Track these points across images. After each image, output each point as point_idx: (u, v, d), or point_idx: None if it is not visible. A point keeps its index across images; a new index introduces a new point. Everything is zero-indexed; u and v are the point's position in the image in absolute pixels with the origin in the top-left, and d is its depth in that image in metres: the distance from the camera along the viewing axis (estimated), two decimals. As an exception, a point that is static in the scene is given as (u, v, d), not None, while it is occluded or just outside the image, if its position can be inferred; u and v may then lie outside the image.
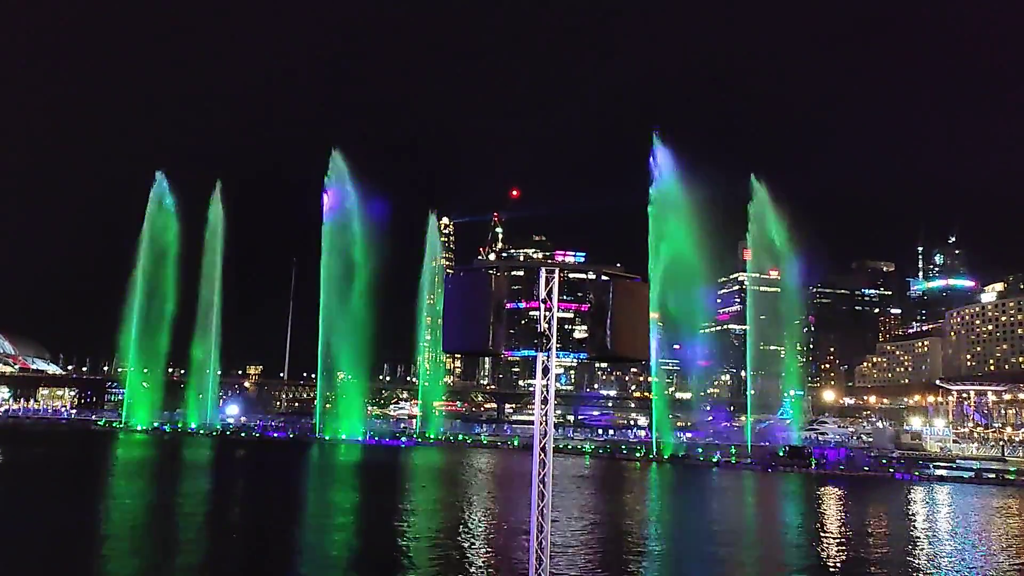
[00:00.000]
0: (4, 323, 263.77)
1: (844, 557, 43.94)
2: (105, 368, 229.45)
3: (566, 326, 16.14)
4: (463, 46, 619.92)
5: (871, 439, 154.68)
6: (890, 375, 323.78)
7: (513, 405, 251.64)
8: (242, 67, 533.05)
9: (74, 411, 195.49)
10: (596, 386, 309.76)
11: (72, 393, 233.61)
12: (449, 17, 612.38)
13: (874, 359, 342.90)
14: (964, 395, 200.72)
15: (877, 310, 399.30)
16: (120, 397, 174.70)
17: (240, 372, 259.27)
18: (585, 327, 15.05)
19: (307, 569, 37.90)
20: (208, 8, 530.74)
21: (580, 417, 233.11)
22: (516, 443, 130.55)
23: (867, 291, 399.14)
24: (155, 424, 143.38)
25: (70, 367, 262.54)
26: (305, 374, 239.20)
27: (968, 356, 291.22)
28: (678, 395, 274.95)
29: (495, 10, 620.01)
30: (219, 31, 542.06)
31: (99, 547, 39.75)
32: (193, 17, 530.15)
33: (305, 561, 39.42)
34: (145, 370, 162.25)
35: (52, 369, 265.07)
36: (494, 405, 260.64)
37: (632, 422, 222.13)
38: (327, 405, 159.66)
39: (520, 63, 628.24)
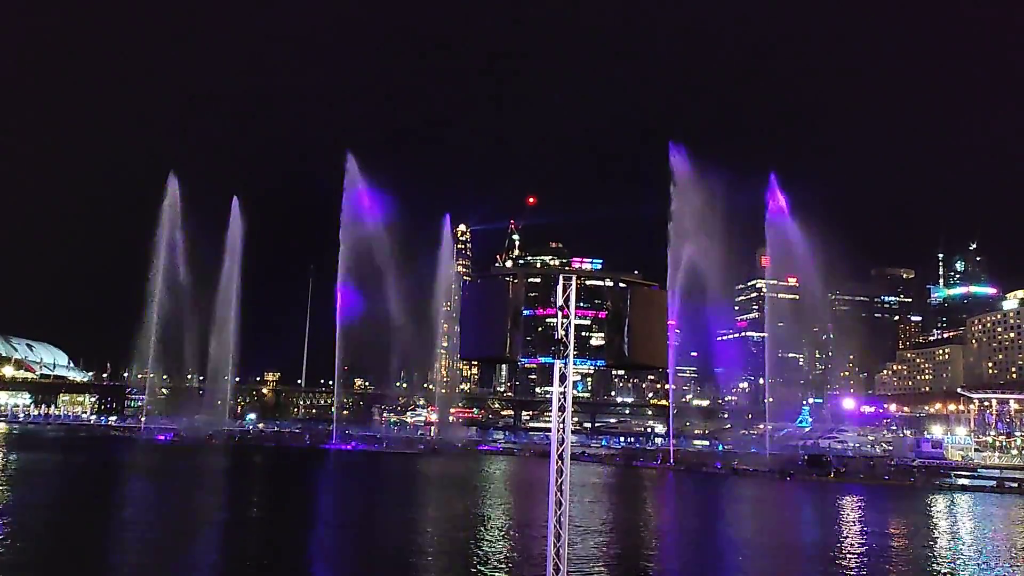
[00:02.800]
0: (26, 329, 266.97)
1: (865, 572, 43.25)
2: (125, 374, 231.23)
3: (583, 333, 16.10)
4: (479, 53, 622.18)
5: (891, 447, 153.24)
6: (910, 383, 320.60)
7: (530, 412, 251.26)
8: (258, 72, 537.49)
9: (94, 417, 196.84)
10: (613, 393, 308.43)
11: (93, 399, 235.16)
12: (466, 24, 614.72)
13: (894, 367, 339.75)
14: (986, 403, 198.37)
15: (897, 317, 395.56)
16: (140, 403, 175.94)
17: (258, 379, 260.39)
18: (602, 334, 15.00)
19: None
20: (225, 14, 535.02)
21: (597, 424, 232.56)
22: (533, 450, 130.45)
23: (887, 298, 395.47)
24: (174, 430, 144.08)
25: (91, 373, 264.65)
26: (322, 381, 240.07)
27: (990, 364, 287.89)
28: (696, 402, 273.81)
29: (511, 16, 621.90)
30: (233, 36, 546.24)
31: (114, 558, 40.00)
32: (208, 23, 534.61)
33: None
34: (164, 377, 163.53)
35: (73, 375, 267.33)
36: (511, 412, 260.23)
37: (649, 429, 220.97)
38: (345, 412, 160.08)
39: (536, 69, 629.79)
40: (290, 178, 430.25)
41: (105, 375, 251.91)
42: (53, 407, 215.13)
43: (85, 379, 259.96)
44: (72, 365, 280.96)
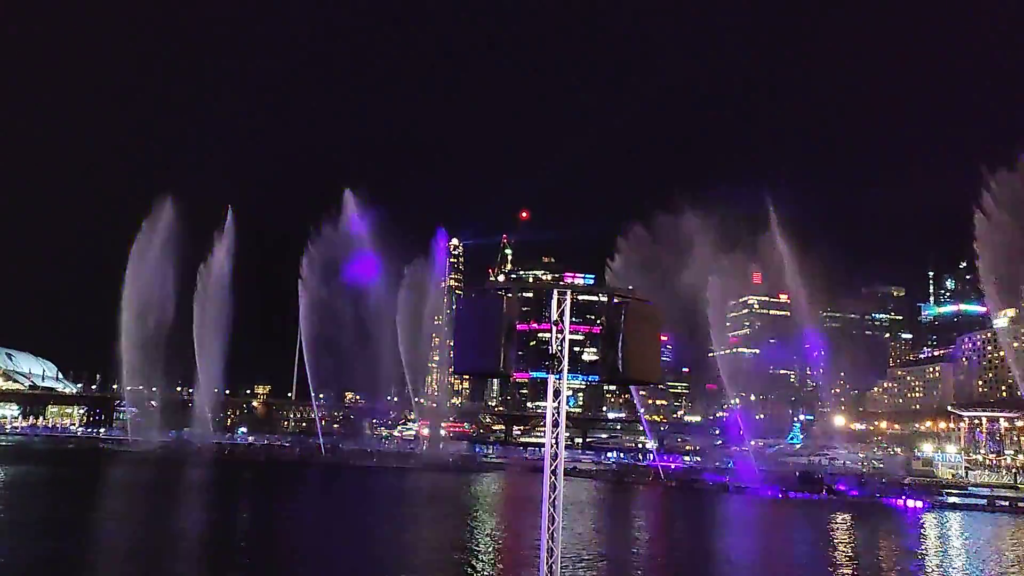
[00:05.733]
0: (13, 340, 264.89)
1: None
2: (114, 386, 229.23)
3: (576, 348, 15.99)
4: (474, 68, 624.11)
5: (882, 465, 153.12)
6: (901, 400, 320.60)
7: (521, 427, 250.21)
8: (250, 84, 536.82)
9: (82, 429, 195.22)
10: (604, 409, 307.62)
11: (81, 411, 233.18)
12: (461, 38, 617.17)
13: (885, 384, 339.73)
14: (976, 421, 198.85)
15: (888, 335, 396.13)
16: (129, 415, 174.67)
17: (248, 391, 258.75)
18: (596, 349, 14.91)
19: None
20: (216, 32, 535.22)
21: (588, 439, 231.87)
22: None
23: (877, 315, 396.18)
24: (162, 443, 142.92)
25: (79, 385, 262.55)
26: (313, 394, 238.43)
27: (980, 382, 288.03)
28: (687, 418, 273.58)
29: (506, 32, 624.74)
30: (225, 52, 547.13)
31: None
32: (201, 39, 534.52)
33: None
34: (153, 388, 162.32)
35: (61, 387, 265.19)
36: (502, 427, 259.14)
37: (641, 445, 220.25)
38: (335, 425, 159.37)
39: (531, 85, 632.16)
40: (282, 188, 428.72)
41: (94, 387, 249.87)
42: (41, 418, 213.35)
43: (74, 391, 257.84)
44: (61, 376, 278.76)
